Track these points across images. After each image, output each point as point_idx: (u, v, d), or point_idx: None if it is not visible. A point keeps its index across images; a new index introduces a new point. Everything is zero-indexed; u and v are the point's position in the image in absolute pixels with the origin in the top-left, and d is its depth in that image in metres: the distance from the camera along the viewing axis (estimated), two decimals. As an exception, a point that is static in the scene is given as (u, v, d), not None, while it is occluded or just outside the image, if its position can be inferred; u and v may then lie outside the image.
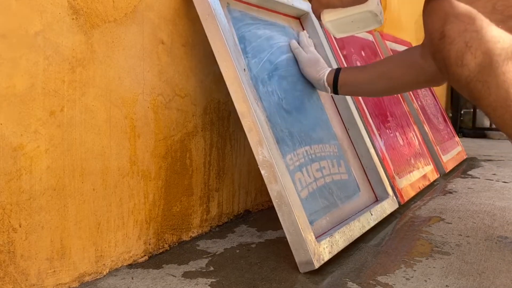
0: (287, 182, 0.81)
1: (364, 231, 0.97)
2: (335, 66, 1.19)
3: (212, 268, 0.81)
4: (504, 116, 0.51)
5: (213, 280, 0.76)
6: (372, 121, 1.29)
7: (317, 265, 0.78)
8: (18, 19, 0.62)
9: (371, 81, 0.95)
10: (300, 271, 0.79)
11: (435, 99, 2.18)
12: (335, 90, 1.00)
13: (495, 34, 0.48)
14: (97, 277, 0.75)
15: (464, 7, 0.47)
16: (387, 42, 1.82)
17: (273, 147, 0.82)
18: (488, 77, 0.49)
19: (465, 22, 0.48)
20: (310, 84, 1.10)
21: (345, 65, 1.31)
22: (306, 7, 1.20)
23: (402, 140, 1.46)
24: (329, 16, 0.76)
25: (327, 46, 1.20)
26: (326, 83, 1.01)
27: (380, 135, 1.29)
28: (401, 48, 1.97)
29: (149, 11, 0.82)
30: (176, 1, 0.88)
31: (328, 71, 1.02)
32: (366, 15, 0.75)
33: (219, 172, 1.02)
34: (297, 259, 0.79)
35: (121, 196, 0.79)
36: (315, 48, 1.18)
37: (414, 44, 2.16)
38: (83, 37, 0.70)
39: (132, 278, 0.76)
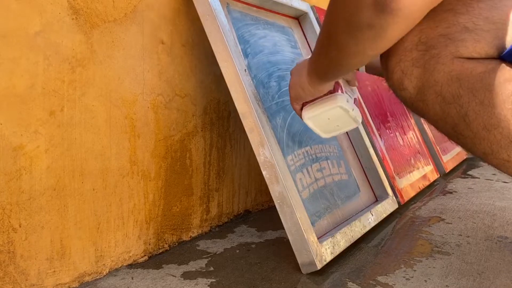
0: (288, 183, 0.81)
1: (365, 231, 0.97)
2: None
3: (212, 268, 0.81)
4: (445, 128, 0.59)
5: (213, 280, 0.76)
6: (372, 121, 1.29)
7: (319, 266, 0.78)
8: (18, 19, 0.62)
9: None
10: (302, 272, 0.79)
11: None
12: None
13: (421, 62, 0.58)
14: (97, 277, 0.75)
15: (398, 43, 0.57)
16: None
17: (275, 148, 0.82)
18: (425, 96, 0.58)
19: (399, 55, 0.58)
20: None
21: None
22: (305, 7, 1.20)
23: (402, 140, 1.46)
24: (307, 113, 0.76)
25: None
26: None
27: (380, 135, 1.29)
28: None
29: (149, 11, 0.82)
30: (176, 1, 0.88)
31: None
32: (339, 112, 0.74)
33: (219, 172, 1.02)
34: (299, 260, 0.79)
35: (121, 196, 0.78)
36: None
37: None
38: (83, 37, 0.70)
39: (132, 278, 0.76)
